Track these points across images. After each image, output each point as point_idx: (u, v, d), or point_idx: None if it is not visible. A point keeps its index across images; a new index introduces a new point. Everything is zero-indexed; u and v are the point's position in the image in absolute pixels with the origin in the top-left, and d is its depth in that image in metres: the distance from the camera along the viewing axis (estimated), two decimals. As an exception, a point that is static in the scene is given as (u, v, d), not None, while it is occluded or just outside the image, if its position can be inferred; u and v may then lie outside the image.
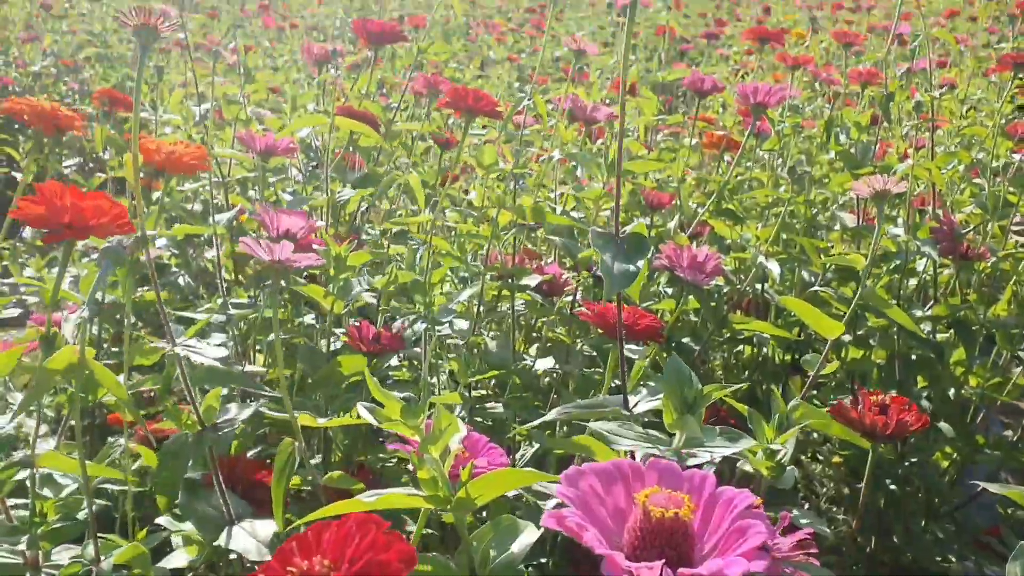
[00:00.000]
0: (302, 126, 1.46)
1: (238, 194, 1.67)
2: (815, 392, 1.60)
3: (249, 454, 1.21)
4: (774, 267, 1.39)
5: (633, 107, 1.98)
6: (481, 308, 1.34)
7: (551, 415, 0.87)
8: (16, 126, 3.62)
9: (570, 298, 1.39)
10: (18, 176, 2.46)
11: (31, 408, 1.02)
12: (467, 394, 1.26)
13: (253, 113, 1.72)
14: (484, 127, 2.20)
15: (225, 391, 1.08)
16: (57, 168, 3.56)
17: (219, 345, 1.03)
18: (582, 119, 1.45)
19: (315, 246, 1.21)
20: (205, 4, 5.46)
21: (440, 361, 1.32)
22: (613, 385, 1.18)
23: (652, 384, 0.95)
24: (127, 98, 2.40)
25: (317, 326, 1.38)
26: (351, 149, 1.61)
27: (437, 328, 1.30)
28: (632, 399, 0.88)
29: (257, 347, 1.40)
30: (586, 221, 1.42)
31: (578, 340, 1.37)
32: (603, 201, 1.34)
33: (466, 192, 1.87)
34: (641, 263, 0.77)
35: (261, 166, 1.33)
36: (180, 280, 1.80)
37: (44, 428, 1.11)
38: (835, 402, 1.18)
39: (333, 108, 1.48)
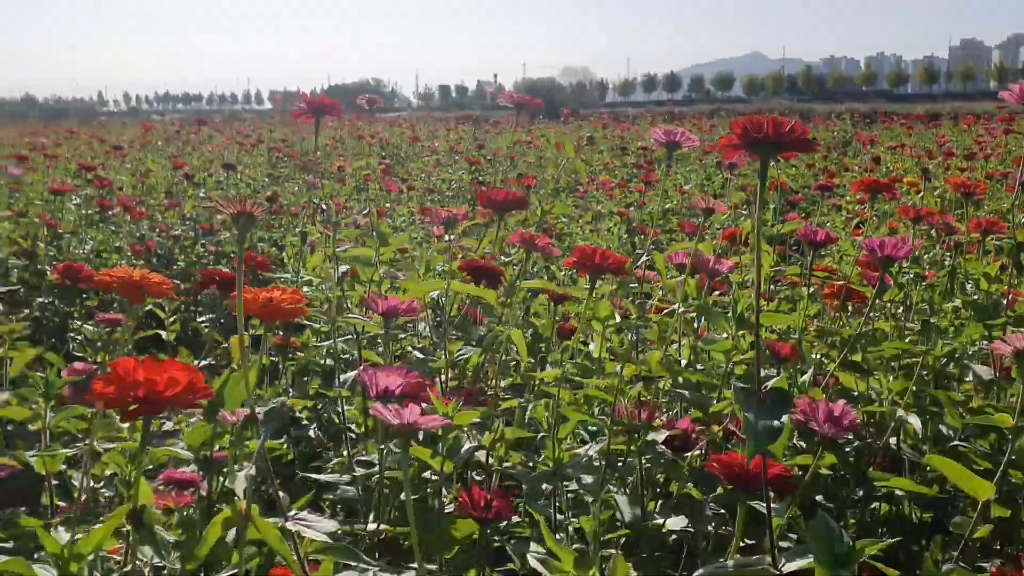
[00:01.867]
0: (421, 291, 1.53)
1: (369, 348, 1.75)
2: (956, 553, 1.51)
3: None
4: (915, 421, 1.35)
5: (749, 260, 2.00)
6: (607, 463, 1.34)
7: (698, 574, 0.85)
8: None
9: (699, 452, 1.38)
10: (163, 334, 2.62)
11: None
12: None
13: (386, 274, 1.81)
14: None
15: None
16: (194, 325, 3.78)
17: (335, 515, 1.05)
18: (704, 272, 1.47)
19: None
20: (330, 170, 5.84)
21: (567, 518, 1.32)
22: (743, 544, 1.15)
23: (789, 544, 0.92)
24: (262, 259, 2.58)
25: (429, 483, 1.39)
26: (477, 307, 1.67)
27: (564, 484, 1.31)
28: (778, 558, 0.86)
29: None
30: (714, 374, 1.42)
31: (706, 496, 1.34)
32: (733, 354, 1.34)
33: (584, 344, 1.90)
34: (784, 419, 0.77)
35: (386, 326, 1.40)
36: (311, 432, 1.87)
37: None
38: (987, 566, 1.11)
39: (453, 270, 1.56)
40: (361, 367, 1.43)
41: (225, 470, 1.44)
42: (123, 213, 4.45)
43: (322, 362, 1.90)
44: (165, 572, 1.11)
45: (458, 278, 1.61)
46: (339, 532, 1.11)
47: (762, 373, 1.57)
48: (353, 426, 1.85)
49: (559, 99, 55.73)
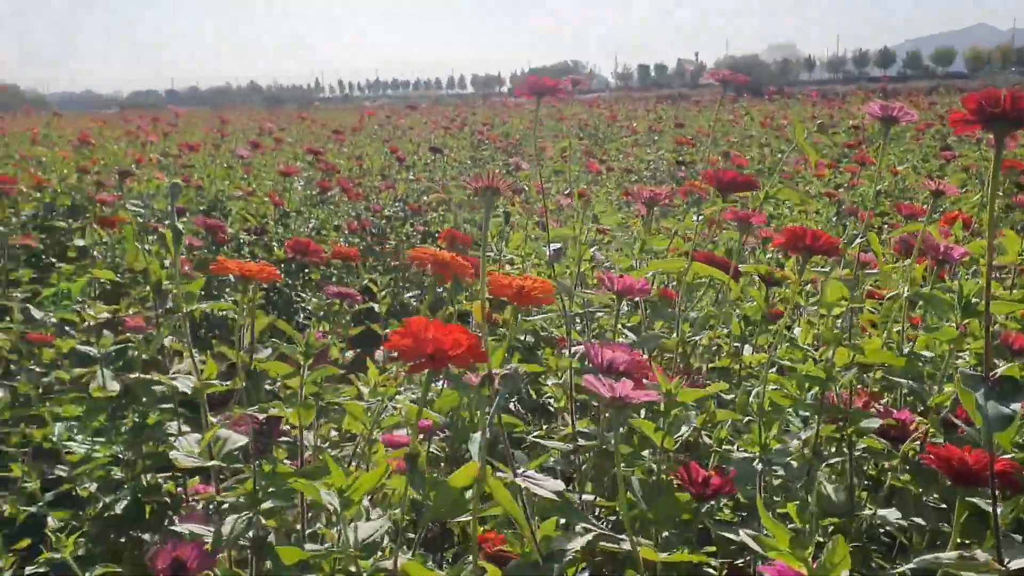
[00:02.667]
0: (659, 268, 1.56)
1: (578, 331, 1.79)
2: None
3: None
4: None
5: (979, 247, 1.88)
6: (815, 451, 1.32)
7: (911, 566, 0.83)
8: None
9: (917, 443, 1.33)
10: (375, 306, 2.79)
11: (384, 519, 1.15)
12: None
13: (596, 254, 1.85)
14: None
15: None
16: (401, 299, 3.98)
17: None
18: (933, 257, 1.41)
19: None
20: (529, 152, 5.96)
21: (772, 502, 1.31)
22: (960, 542, 1.10)
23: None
24: (466, 237, 2.69)
25: (647, 458, 1.42)
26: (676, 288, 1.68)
27: (773, 468, 1.30)
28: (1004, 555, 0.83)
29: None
30: (933, 364, 1.36)
31: (924, 490, 1.29)
32: (957, 343, 1.28)
33: (788, 328, 1.87)
34: (1016, 406, 0.74)
35: (616, 305, 1.43)
36: (511, 406, 1.95)
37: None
38: None
39: (689, 253, 1.57)
40: (584, 342, 1.47)
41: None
42: (341, 194, 4.75)
43: (522, 339, 1.97)
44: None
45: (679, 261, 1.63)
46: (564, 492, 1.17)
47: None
48: (552, 400, 1.92)
49: (763, 77, 53.76)
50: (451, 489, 0.90)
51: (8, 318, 2.90)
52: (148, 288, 2.14)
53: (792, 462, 1.33)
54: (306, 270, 3.92)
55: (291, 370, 1.52)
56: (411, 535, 1.37)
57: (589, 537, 1.07)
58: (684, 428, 1.37)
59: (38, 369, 2.19)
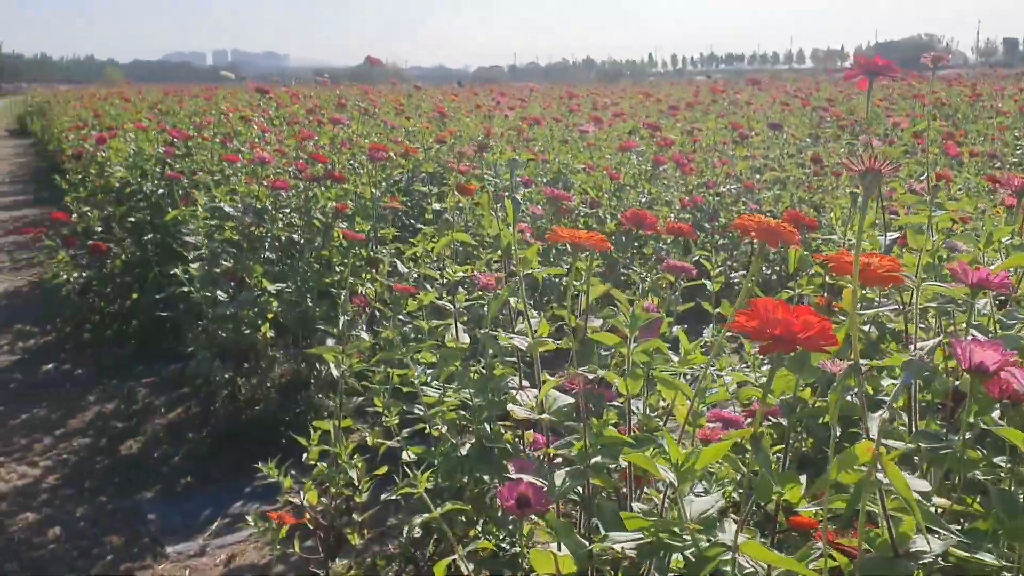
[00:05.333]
0: (1015, 264, 1.43)
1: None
2: None
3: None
4: None
5: None
6: None
7: None
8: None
9: None
10: (706, 283, 2.79)
11: (718, 496, 1.17)
12: None
13: (946, 244, 1.72)
14: None
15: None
16: (726, 279, 3.93)
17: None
18: None
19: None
20: (877, 131, 5.58)
21: None
22: None
23: None
24: (811, 221, 2.59)
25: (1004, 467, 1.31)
26: None
27: None
28: None
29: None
30: None
31: None
32: None
33: None
34: None
35: (970, 299, 1.34)
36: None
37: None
38: None
39: None
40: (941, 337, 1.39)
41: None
42: (674, 168, 4.77)
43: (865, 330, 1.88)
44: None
45: None
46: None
47: None
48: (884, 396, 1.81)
49: None
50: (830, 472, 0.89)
51: (375, 270, 3.29)
52: (499, 251, 2.33)
53: None
54: (636, 243, 4.01)
55: (619, 340, 1.59)
56: (733, 516, 1.39)
57: (947, 544, 1.01)
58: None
59: (401, 318, 2.46)
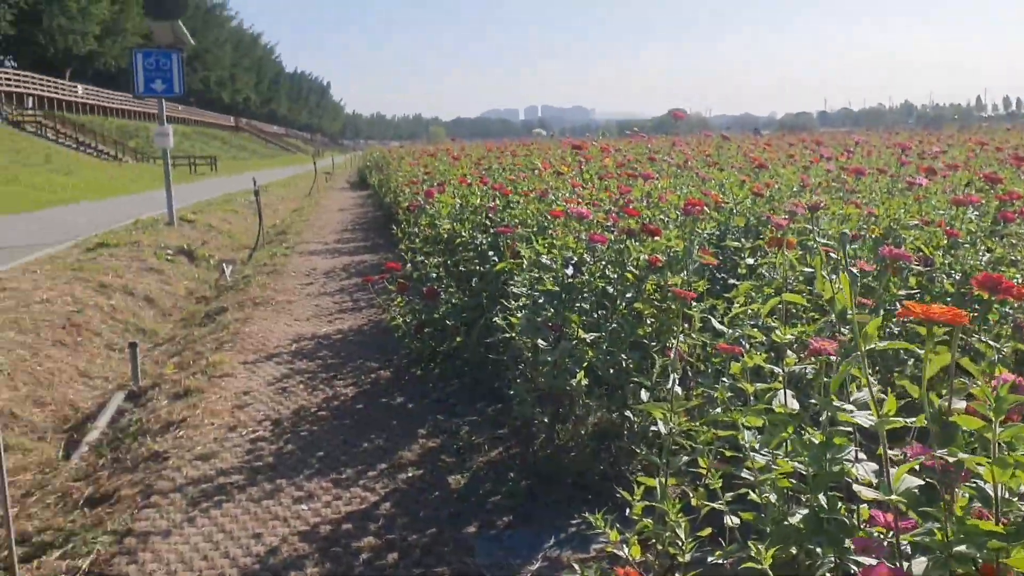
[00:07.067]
0: None
1: None
2: None
3: None
4: None
5: None
6: None
7: None
8: None
9: None
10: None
11: None
12: None
13: None
14: None
15: None
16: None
17: None
18: None
19: None
20: None
21: None
22: None
23: None
24: None
25: None
26: None
27: None
28: None
29: None
30: None
31: None
32: None
33: None
34: None
35: None
36: None
37: None
38: None
39: None
40: None
41: None
42: (1020, 225, 4.32)
43: None
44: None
45: None
46: None
47: None
48: None
49: None
50: None
51: (687, 325, 3.28)
52: (832, 315, 2.24)
53: None
54: (977, 307, 3.66)
55: (981, 424, 1.46)
56: None
57: None
58: None
59: (727, 381, 2.43)
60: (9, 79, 40.39)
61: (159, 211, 14.62)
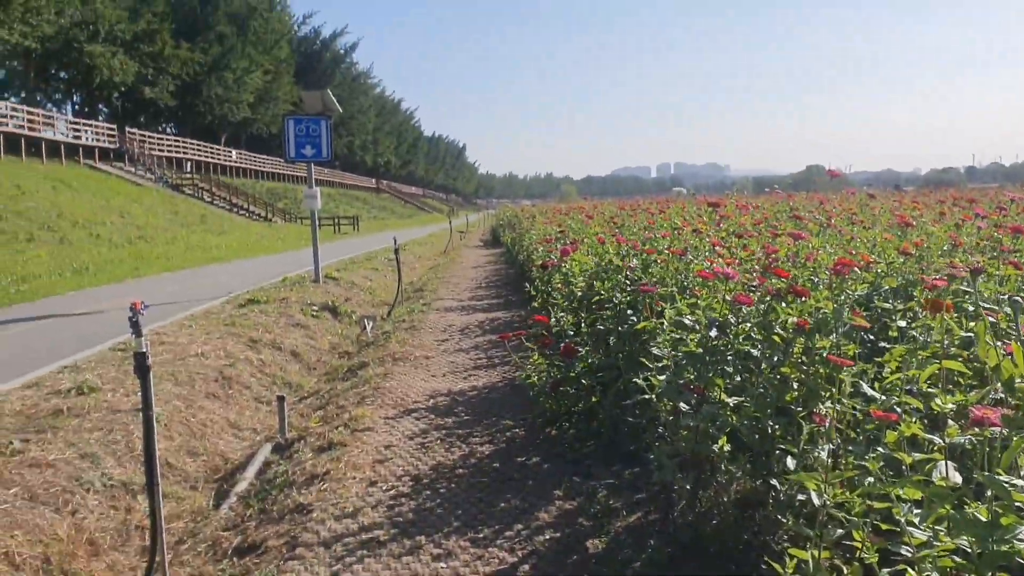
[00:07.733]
0: None
1: None
2: None
3: None
4: None
5: None
6: None
7: None
8: None
9: None
10: None
11: None
12: None
13: None
14: None
15: None
16: None
17: None
18: None
19: None
20: None
21: None
22: None
23: None
24: None
25: None
26: None
27: None
28: None
29: None
30: None
31: None
32: None
33: None
34: None
35: None
36: None
37: None
38: None
39: None
40: None
41: None
42: None
43: None
44: None
45: None
46: None
47: None
48: None
49: None
50: None
51: (834, 390, 3.16)
52: (997, 383, 2.12)
53: None
54: None
55: None
56: None
57: None
58: None
59: (881, 450, 2.32)
60: (171, 146, 43.49)
61: (305, 269, 15.31)
